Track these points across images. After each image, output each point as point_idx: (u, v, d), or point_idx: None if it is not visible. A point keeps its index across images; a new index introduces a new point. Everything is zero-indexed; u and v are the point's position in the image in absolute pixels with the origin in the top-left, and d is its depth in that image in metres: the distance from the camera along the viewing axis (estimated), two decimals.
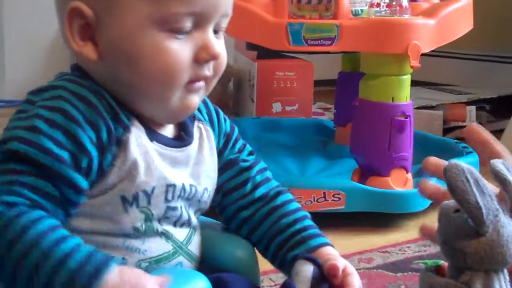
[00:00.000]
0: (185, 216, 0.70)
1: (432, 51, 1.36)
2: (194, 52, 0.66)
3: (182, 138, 0.71)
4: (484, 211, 0.65)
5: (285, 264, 0.75)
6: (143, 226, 0.66)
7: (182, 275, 0.65)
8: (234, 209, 0.78)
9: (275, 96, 1.98)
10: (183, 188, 0.69)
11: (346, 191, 1.30)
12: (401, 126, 1.31)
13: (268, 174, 0.80)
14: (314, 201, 1.27)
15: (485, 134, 0.83)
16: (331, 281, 0.69)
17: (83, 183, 0.62)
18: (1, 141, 0.62)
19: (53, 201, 0.60)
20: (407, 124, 1.31)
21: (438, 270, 0.72)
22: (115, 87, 0.66)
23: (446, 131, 2.07)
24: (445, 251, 0.70)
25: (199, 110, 0.75)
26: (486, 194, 0.66)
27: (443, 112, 2.08)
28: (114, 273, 0.56)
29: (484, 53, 2.81)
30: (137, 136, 0.66)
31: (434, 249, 1.19)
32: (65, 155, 0.61)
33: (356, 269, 0.72)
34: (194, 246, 0.72)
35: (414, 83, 1.38)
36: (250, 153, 0.81)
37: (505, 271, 0.69)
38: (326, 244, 0.75)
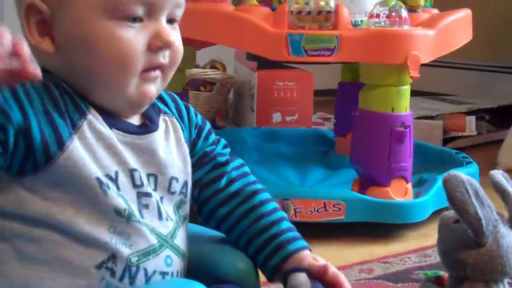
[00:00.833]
0: (163, 208, 0.71)
1: (432, 61, 1.36)
2: (148, 41, 0.68)
3: (146, 126, 0.72)
4: (483, 222, 0.66)
5: (265, 271, 0.77)
6: (126, 211, 0.67)
7: (182, 286, 0.65)
8: (213, 205, 0.79)
9: (275, 106, 1.99)
10: (150, 175, 0.70)
11: (346, 201, 1.30)
12: (401, 136, 1.31)
13: (245, 169, 0.81)
14: (314, 211, 1.27)
15: None
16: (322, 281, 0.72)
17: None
18: None
19: None
20: (407, 134, 1.32)
21: (438, 280, 0.72)
22: (72, 77, 0.68)
23: (446, 141, 2.07)
24: (445, 261, 0.70)
25: (166, 104, 0.77)
26: (486, 205, 0.66)
27: (443, 122, 2.09)
28: None
29: (484, 63, 2.82)
30: (92, 122, 0.67)
31: (435, 259, 1.19)
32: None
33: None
34: (180, 241, 0.73)
35: (413, 93, 1.39)
36: (225, 146, 0.82)
37: (505, 281, 0.69)
38: (304, 247, 0.76)
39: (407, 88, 1.33)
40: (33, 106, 0.64)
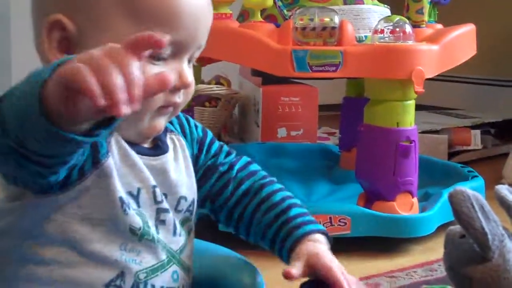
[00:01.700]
0: (176, 224, 0.72)
1: (437, 75, 1.36)
2: None
3: (157, 147, 0.72)
4: (489, 236, 0.66)
5: (282, 258, 0.76)
6: (141, 229, 0.67)
7: None
8: (226, 212, 0.80)
9: (280, 121, 1.99)
10: (162, 194, 0.71)
11: (352, 216, 1.30)
12: (406, 151, 1.31)
13: (253, 167, 0.81)
14: None
15: None
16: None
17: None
18: None
19: None
20: (412, 149, 1.32)
21: None
22: None
23: (451, 155, 2.07)
24: (451, 276, 0.70)
25: (170, 122, 0.76)
26: (492, 219, 0.66)
27: (448, 136, 2.09)
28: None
29: (488, 77, 2.82)
30: (118, 140, 0.67)
31: (441, 273, 1.19)
32: None
33: None
34: (186, 256, 0.73)
35: (418, 107, 1.39)
36: (228, 154, 0.82)
37: None
38: (314, 230, 0.75)
39: (412, 103, 1.33)
40: None
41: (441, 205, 1.35)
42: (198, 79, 1.67)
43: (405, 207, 1.34)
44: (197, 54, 0.71)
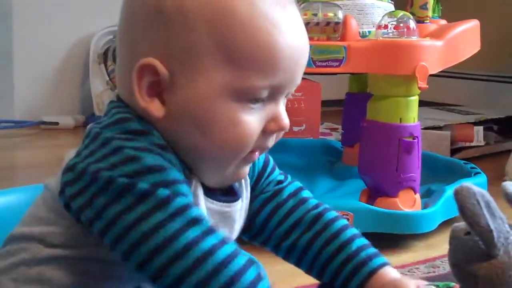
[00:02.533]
0: None
1: (440, 71, 1.36)
2: (264, 124, 0.65)
3: (233, 193, 0.70)
4: (495, 233, 0.65)
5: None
6: None
7: None
8: (276, 240, 0.75)
9: None
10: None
11: (354, 212, 1.30)
12: (409, 147, 1.31)
13: (305, 194, 0.78)
14: None
15: None
16: None
17: None
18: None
19: None
20: (415, 145, 1.31)
21: None
22: (175, 145, 0.64)
23: (454, 151, 2.07)
24: (456, 273, 0.70)
25: None
26: (497, 216, 0.66)
27: (451, 133, 2.08)
28: None
29: (492, 74, 2.81)
30: (195, 188, 0.65)
31: (443, 270, 1.18)
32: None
33: None
34: None
35: (421, 103, 1.39)
36: (279, 182, 0.78)
37: None
38: (384, 264, 0.72)
39: (415, 99, 1.33)
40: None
41: (444, 201, 1.34)
42: None
43: (408, 203, 1.33)
44: (293, 90, 0.68)
